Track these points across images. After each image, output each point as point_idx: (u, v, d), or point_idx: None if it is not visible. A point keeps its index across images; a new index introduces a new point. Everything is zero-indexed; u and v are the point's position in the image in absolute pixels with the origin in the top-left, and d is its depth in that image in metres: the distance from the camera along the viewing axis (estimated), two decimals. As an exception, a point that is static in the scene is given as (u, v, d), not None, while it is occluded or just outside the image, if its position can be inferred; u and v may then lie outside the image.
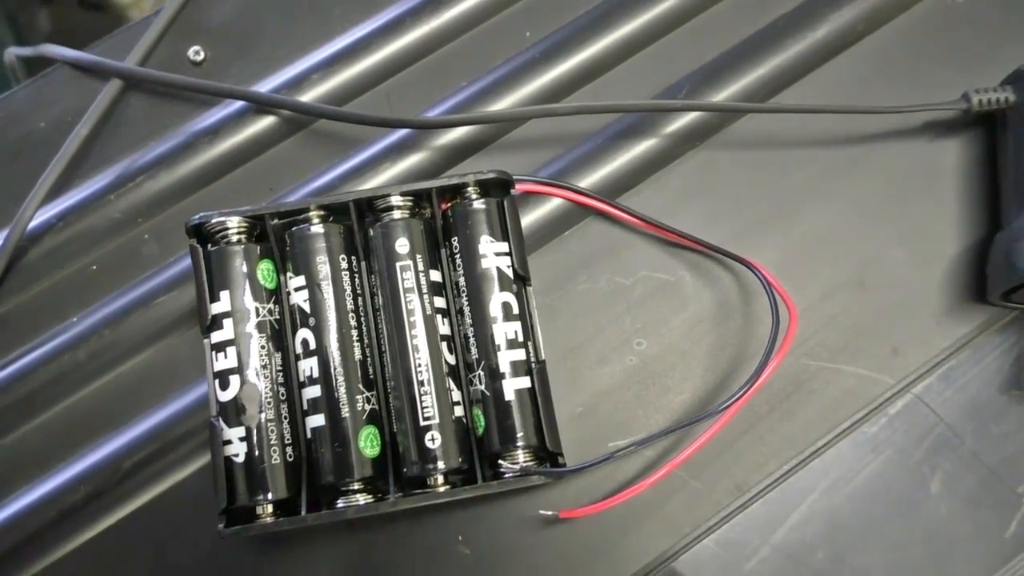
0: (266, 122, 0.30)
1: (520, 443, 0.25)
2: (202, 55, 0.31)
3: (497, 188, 0.27)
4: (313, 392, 0.25)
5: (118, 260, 0.29)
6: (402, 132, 0.30)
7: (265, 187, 0.30)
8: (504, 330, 0.26)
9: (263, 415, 0.25)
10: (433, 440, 0.25)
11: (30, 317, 0.29)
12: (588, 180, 0.30)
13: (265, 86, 0.31)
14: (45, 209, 0.29)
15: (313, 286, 0.26)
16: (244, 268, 0.26)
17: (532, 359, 0.26)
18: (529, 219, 0.29)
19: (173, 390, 0.28)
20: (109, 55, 0.31)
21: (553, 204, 0.29)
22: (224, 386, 0.25)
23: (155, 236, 0.30)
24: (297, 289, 0.26)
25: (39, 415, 0.28)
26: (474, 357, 0.26)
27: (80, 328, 0.28)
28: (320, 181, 0.30)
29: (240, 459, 0.25)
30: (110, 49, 0.31)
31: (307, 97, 0.31)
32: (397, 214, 0.27)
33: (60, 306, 0.29)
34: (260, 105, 0.30)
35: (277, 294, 0.26)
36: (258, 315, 0.26)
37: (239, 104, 0.30)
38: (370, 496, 0.25)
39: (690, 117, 0.30)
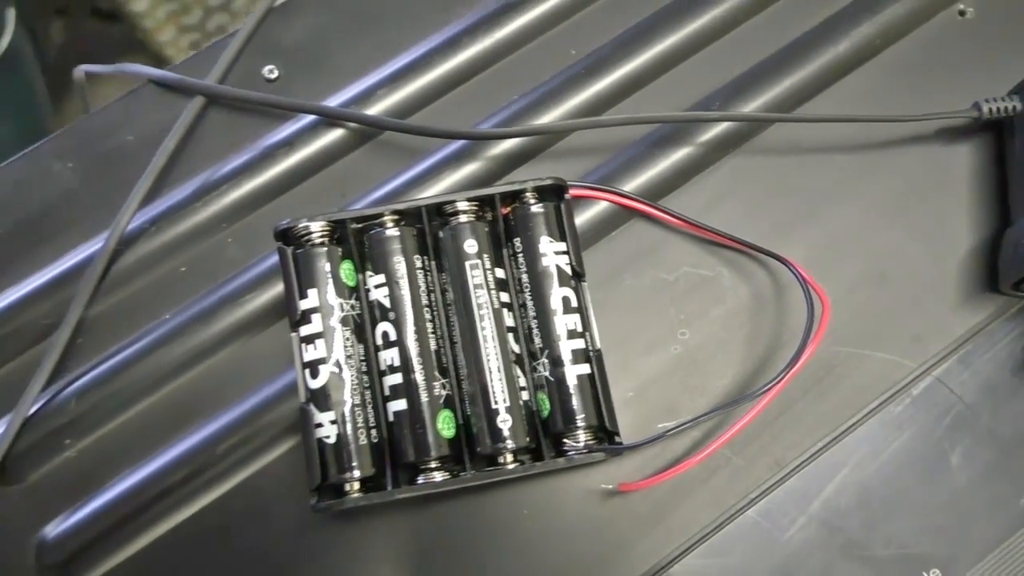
0: (336, 134, 0.33)
1: (581, 424, 0.28)
2: (276, 73, 0.34)
3: (552, 193, 0.30)
4: (394, 379, 0.28)
5: (205, 262, 0.32)
6: (460, 143, 0.33)
7: (337, 194, 0.33)
8: (564, 321, 0.29)
9: (350, 400, 0.28)
10: (504, 422, 0.28)
11: (126, 315, 0.31)
12: (631, 184, 0.32)
13: (334, 101, 0.33)
14: (138, 216, 0.32)
15: (392, 283, 0.28)
16: (328, 268, 0.28)
17: (590, 348, 0.29)
18: (579, 221, 0.32)
19: (258, 380, 0.30)
20: (189, 74, 0.34)
21: (600, 207, 0.32)
22: (314, 375, 0.28)
23: (237, 239, 0.32)
24: (377, 286, 0.29)
25: (140, 403, 0.30)
26: (538, 346, 0.29)
27: (173, 324, 0.31)
28: (387, 188, 0.32)
29: (331, 440, 0.27)
30: (190, 67, 0.34)
31: (373, 111, 0.33)
32: (464, 217, 0.29)
33: (154, 305, 0.31)
34: (330, 119, 0.33)
35: (357, 291, 0.29)
36: (342, 310, 0.28)
37: (311, 118, 0.33)
38: (446, 473, 0.28)
39: (723, 126, 0.33)
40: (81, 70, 0.40)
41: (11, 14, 0.94)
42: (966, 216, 0.33)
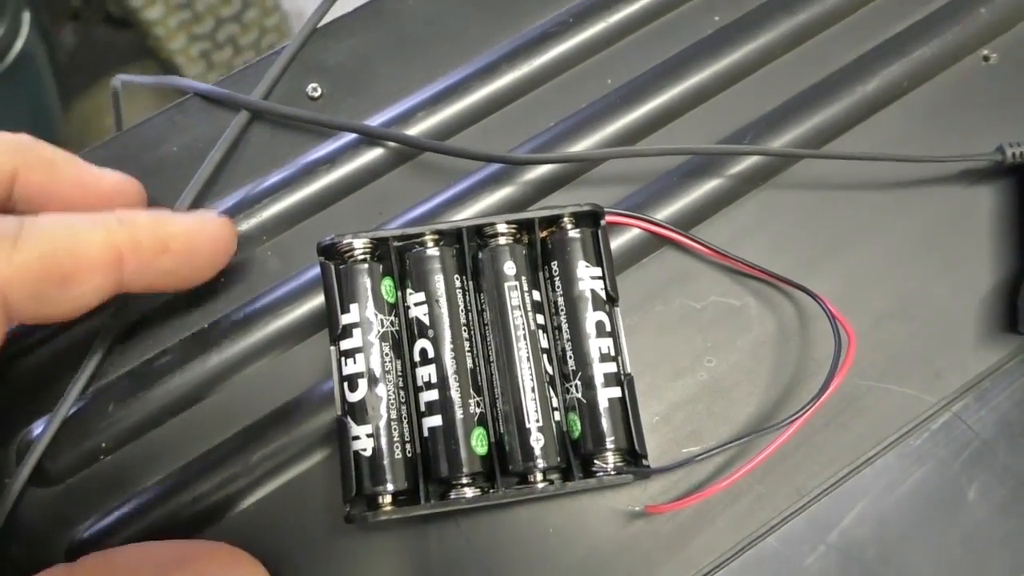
0: (376, 153, 0.34)
1: (611, 446, 0.29)
2: (319, 91, 0.35)
3: (589, 219, 0.31)
4: (431, 396, 0.29)
5: (244, 273, 0.32)
6: (497, 166, 0.34)
7: (375, 211, 0.33)
8: (598, 345, 0.29)
9: (387, 415, 0.28)
10: (537, 441, 0.28)
11: (166, 323, 0.32)
12: (663, 213, 0.33)
13: (375, 120, 0.34)
14: (180, 226, 0.32)
15: (432, 302, 0.29)
16: (369, 284, 0.29)
17: (621, 372, 0.29)
18: (612, 247, 0.32)
19: (295, 390, 0.31)
20: (235, 89, 0.34)
21: (633, 234, 0.33)
22: (352, 388, 0.28)
23: (277, 252, 0.33)
24: (417, 304, 0.29)
25: (179, 412, 0.31)
26: (571, 368, 0.29)
27: (212, 334, 0.31)
28: (424, 207, 0.33)
29: (367, 453, 0.28)
30: (234, 83, 0.35)
31: (413, 131, 0.34)
32: (503, 240, 0.30)
33: (193, 314, 0.32)
34: (371, 138, 0.34)
35: (396, 308, 0.30)
36: (382, 326, 0.29)
37: (352, 136, 0.34)
38: (477, 489, 0.28)
39: (753, 160, 0.34)
40: (119, 79, 0.41)
41: (26, 18, 0.95)
42: (988, 257, 0.34)
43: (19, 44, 0.92)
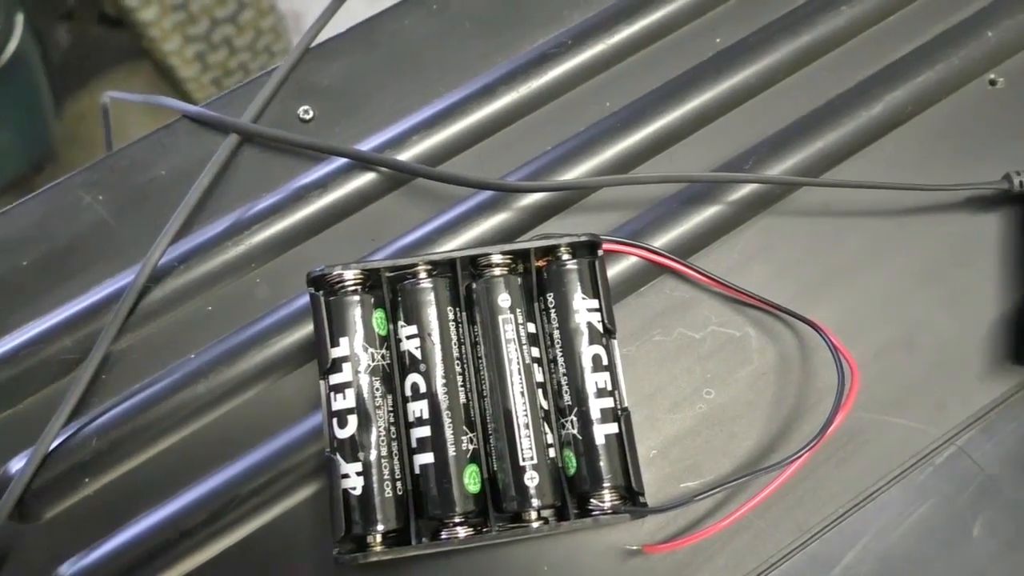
0: (368, 178, 0.33)
1: (608, 484, 0.28)
2: (311, 114, 0.34)
3: (586, 248, 0.30)
4: (422, 432, 0.28)
5: (232, 301, 0.32)
6: (491, 193, 0.33)
7: (367, 238, 0.33)
8: (595, 379, 0.29)
9: (377, 452, 0.27)
10: (531, 479, 0.28)
11: (152, 352, 0.31)
12: (661, 241, 0.32)
13: (368, 144, 0.33)
14: (167, 252, 0.31)
15: (424, 335, 0.28)
16: (360, 316, 0.28)
17: (618, 406, 0.29)
18: (609, 275, 0.31)
19: (284, 423, 0.30)
20: (224, 111, 0.33)
21: (631, 262, 0.32)
22: (342, 424, 0.28)
23: (266, 280, 0.32)
24: (409, 337, 0.29)
25: (162, 442, 0.30)
26: (567, 403, 0.29)
27: (198, 363, 0.30)
28: (417, 234, 0.32)
29: (357, 492, 0.27)
30: (225, 105, 0.34)
31: (406, 156, 0.33)
32: (498, 271, 0.29)
33: (179, 343, 0.31)
34: (364, 163, 0.33)
35: (388, 340, 0.29)
36: (372, 360, 0.28)
37: (344, 160, 0.33)
38: (470, 529, 0.28)
39: (753, 187, 0.33)
40: (108, 96, 0.40)
41: (19, 19, 0.94)
42: (993, 287, 0.33)
43: (12, 45, 0.92)
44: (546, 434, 0.28)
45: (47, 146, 1.02)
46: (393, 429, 0.28)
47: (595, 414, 0.28)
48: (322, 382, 0.28)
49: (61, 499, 0.29)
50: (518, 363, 0.28)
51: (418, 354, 0.28)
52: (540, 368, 0.29)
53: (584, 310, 0.29)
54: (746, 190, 0.33)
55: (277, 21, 1.19)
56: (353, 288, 0.29)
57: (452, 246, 0.32)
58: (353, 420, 0.28)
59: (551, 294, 0.29)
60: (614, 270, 0.32)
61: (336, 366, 0.28)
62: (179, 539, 0.29)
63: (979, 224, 0.34)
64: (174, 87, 1.09)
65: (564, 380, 0.29)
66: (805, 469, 0.30)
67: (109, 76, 1.14)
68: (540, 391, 0.29)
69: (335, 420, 0.28)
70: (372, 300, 0.29)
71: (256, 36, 1.18)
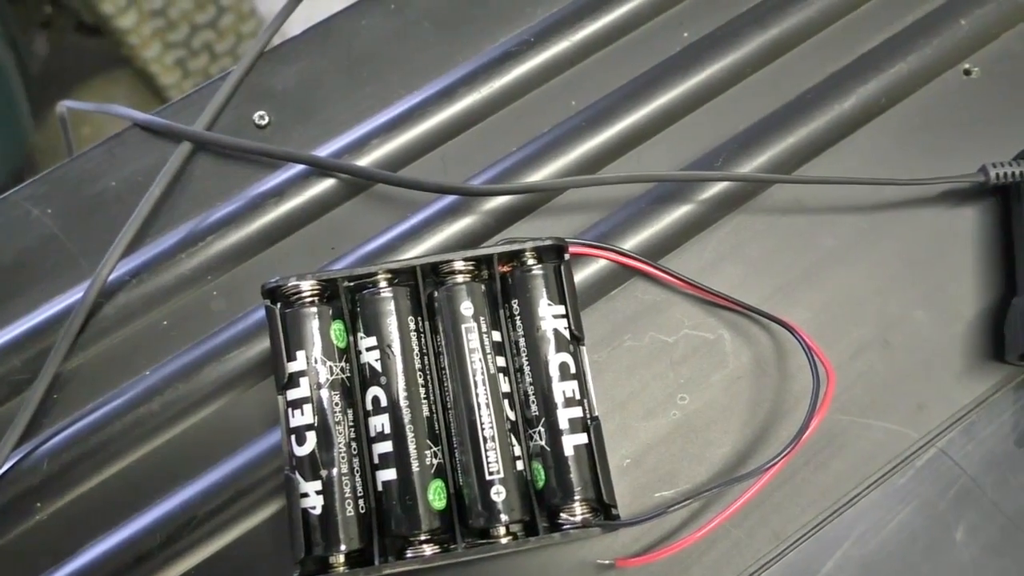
0: (327, 185, 0.32)
1: (578, 496, 0.27)
2: (267, 119, 0.33)
3: (551, 252, 0.29)
4: (384, 447, 0.27)
5: (188, 315, 0.31)
6: (454, 197, 0.32)
7: (327, 246, 0.32)
8: (562, 388, 0.28)
9: (337, 469, 0.26)
10: (498, 494, 0.27)
11: (105, 370, 0.30)
12: (630, 243, 0.32)
13: (326, 150, 0.32)
14: (119, 266, 0.30)
15: (384, 346, 0.27)
16: (318, 329, 0.27)
17: (587, 415, 0.28)
18: (577, 279, 0.31)
19: (243, 440, 0.29)
20: (177, 118, 0.32)
21: (599, 265, 0.31)
22: (300, 441, 0.27)
23: (223, 292, 0.31)
24: (368, 349, 0.28)
25: (116, 463, 0.29)
26: (534, 414, 0.28)
27: (153, 381, 0.29)
28: (378, 242, 0.31)
29: (317, 511, 0.26)
30: (177, 112, 0.33)
31: (366, 161, 0.32)
32: (460, 278, 0.28)
33: (133, 360, 0.30)
34: (322, 169, 0.32)
35: (347, 352, 0.28)
36: (331, 373, 0.27)
37: (302, 167, 0.32)
38: (436, 546, 0.27)
39: (724, 185, 0.32)
40: (64, 105, 0.39)
41: (-7, 29, 0.92)
42: (972, 282, 0.32)
43: (-13, 53, 0.90)
44: (513, 446, 0.27)
45: (25, 157, 1.00)
46: (354, 445, 0.27)
47: (563, 424, 0.27)
48: (280, 397, 0.27)
49: (11, 526, 0.28)
50: (483, 373, 0.27)
51: (379, 366, 0.27)
52: (506, 378, 0.28)
53: (550, 316, 0.28)
54: (716, 189, 0.32)
55: (258, 25, 1.17)
56: (310, 299, 0.28)
57: (415, 253, 0.31)
58: (312, 436, 0.27)
59: (516, 300, 0.28)
60: (582, 274, 0.31)
61: (293, 381, 0.27)
62: (135, 564, 0.28)
63: (956, 218, 0.33)
64: (155, 95, 1.08)
65: (531, 390, 0.28)
66: (782, 475, 0.30)
67: (89, 85, 1.13)
68: (506, 401, 0.28)
69: (293, 437, 0.27)
70: (330, 311, 0.28)
71: (237, 41, 1.16)
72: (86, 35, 1.18)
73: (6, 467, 0.28)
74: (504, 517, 0.27)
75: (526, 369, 0.28)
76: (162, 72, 1.14)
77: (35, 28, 1.17)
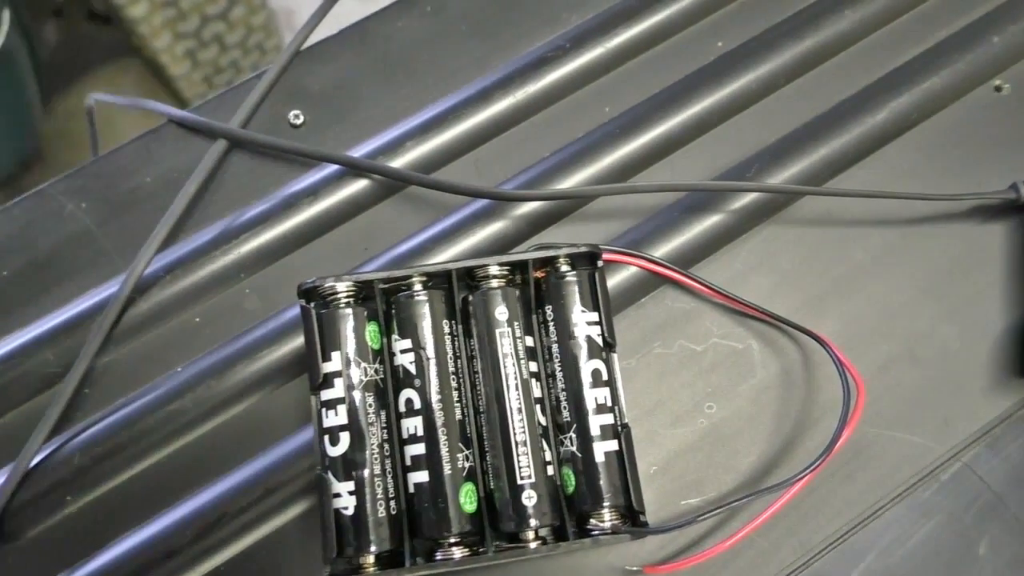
0: (361, 185, 0.32)
1: (607, 503, 0.27)
2: (301, 119, 0.33)
3: (585, 259, 0.29)
4: (417, 449, 0.27)
5: (221, 313, 0.31)
6: (487, 201, 0.32)
7: (360, 247, 0.32)
8: (594, 395, 0.28)
9: (370, 470, 0.27)
10: (529, 498, 0.27)
11: (137, 366, 0.30)
12: (661, 251, 0.32)
13: (360, 151, 0.32)
14: (153, 262, 0.30)
15: (418, 349, 0.28)
16: (353, 330, 0.27)
17: (618, 423, 0.28)
18: (609, 286, 0.31)
19: (274, 438, 0.29)
20: (212, 115, 0.32)
21: (631, 272, 0.31)
22: (334, 442, 0.27)
23: (256, 291, 0.31)
24: (403, 351, 0.28)
25: (147, 459, 0.29)
26: (565, 419, 0.28)
27: (185, 377, 0.29)
28: (411, 243, 0.31)
29: (349, 512, 0.26)
30: (212, 109, 0.33)
31: (400, 162, 0.32)
32: (495, 282, 0.28)
33: (165, 356, 0.30)
34: (356, 170, 0.32)
35: (381, 354, 0.28)
36: (365, 375, 0.27)
37: (336, 167, 0.32)
38: (465, 549, 0.27)
39: (756, 195, 0.32)
40: (93, 98, 0.39)
41: (5, 15, 0.92)
42: (1000, 298, 0.32)
43: (-1, 41, 0.90)
44: (544, 451, 0.28)
45: (35, 145, 1.00)
46: (387, 446, 0.27)
47: (595, 431, 0.27)
48: (313, 397, 0.27)
49: (42, 518, 0.28)
50: (515, 378, 0.28)
51: (412, 369, 0.28)
52: (538, 383, 0.28)
53: (583, 323, 0.28)
54: (748, 199, 0.32)
55: (268, 18, 1.17)
56: (345, 300, 0.28)
57: (447, 256, 0.31)
58: (345, 437, 0.27)
59: (550, 306, 0.28)
60: (613, 281, 0.31)
61: (328, 381, 0.27)
62: (165, 559, 0.28)
63: (985, 234, 0.33)
64: (164, 85, 1.08)
65: (563, 395, 0.28)
66: (808, 486, 0.30)
67: (98, 74, 1.13)
68: (538, 407, 0.28)
69: (327, 437, 0.27)
70: (365, 313, 0.28)
71: (247, 33, 1.16)
72: (97, 24, 1.18)
73: (37, 459, 0.28)
74: (534, 522, 0.27)
75: (558, 375, 0.28)
76: (172, 63, 1.13)
77: (46, 16, 1.17)
